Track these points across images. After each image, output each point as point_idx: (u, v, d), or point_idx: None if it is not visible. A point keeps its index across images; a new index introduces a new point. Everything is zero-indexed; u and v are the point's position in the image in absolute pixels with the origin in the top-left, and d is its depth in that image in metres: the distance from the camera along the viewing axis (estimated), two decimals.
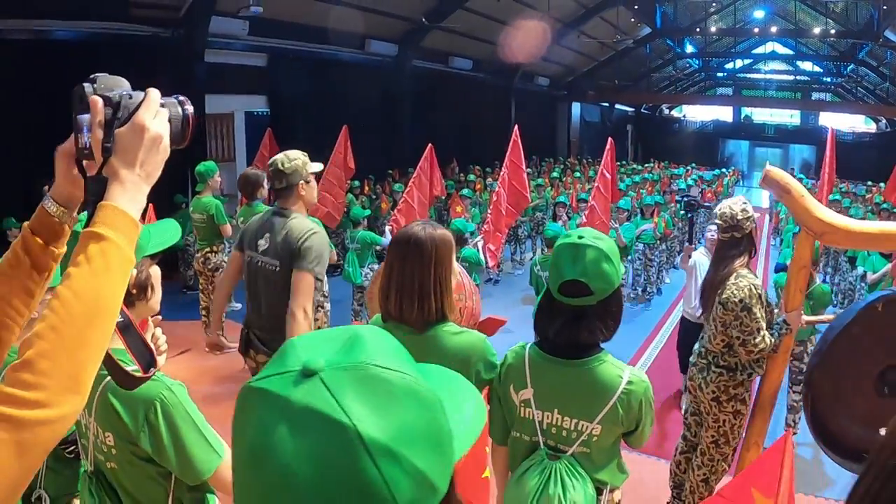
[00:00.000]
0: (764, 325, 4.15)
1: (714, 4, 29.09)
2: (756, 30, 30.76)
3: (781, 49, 38.40)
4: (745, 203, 4.37)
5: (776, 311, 4.42)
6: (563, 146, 33.44)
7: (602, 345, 2.64)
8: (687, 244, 8.20)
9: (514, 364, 2.73)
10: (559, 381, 2.62)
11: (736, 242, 4.33)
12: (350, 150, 11.14)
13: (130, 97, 1.32)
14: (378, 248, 8.95)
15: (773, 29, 30.44)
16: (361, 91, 18.62)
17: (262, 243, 4.15)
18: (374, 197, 15.52)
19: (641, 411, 2.59)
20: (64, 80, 8.44)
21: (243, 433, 0.83)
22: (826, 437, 4.24)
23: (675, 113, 45.06)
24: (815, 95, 40.63)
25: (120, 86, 1.34)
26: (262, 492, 0.80)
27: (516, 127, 9.53)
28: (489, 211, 9.40)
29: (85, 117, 1.29)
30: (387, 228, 9.69)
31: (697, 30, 30.05)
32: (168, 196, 12.34)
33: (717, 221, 4.40)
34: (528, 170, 21.88)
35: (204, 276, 8.45)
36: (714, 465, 4.51)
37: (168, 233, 2.55)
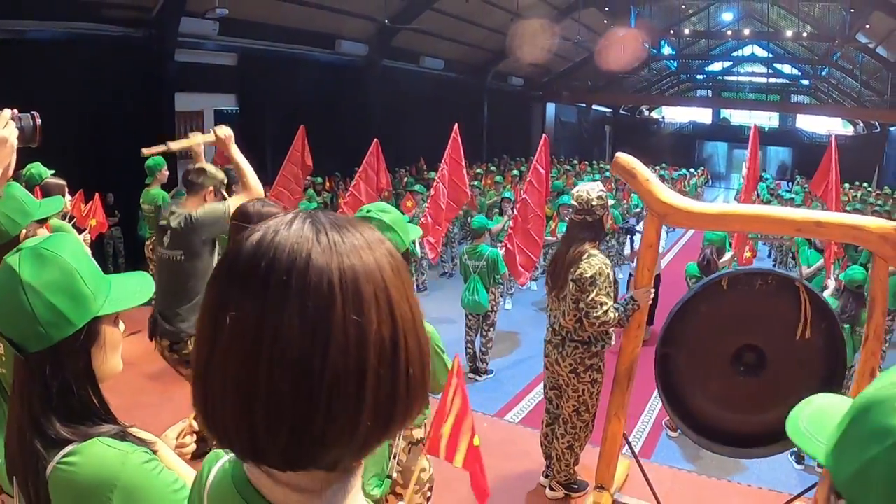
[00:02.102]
0: (609, 301, 4.44)
1: (685, 7, 29.28)
2: (729, 32, 30.99)
3: (761, 52, 38.78)
4: (601, 190, 4.68)
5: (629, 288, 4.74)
6: (537, 146, 33.08)
7: None
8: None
9: None
10: None
11: (588, 225, 4.64)
12: (308, 149, 11.45)
13: None
14: None
15: (747, 31, 30.69)
16: (332, 90, 18.91)
17: (167, 240, 4.66)
18: (337, 192, 15.87)
19: (433, 356, 2.98)
20: (39, 79, 8.77)
21: None
22: (684, 415, 4.58)
23: (654, 114, 45.28)
24: (793, 98, 41.02)
25: None
26: None
27: (455, 126, 9.82)
28: (427, 205, 9.72)
29: None
30: None
31: (671, 31, 30.26)
32: (137, 190, 12.65)
33: (573, 203, 4.72)
34: (493, 168, 22.28)
35: (153, 263, 8.86)
36: (577, 433, 4.83)
37: (52, 204, 3.27)
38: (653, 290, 4.49)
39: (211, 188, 4.77)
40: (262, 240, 0.88)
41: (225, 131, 4.32)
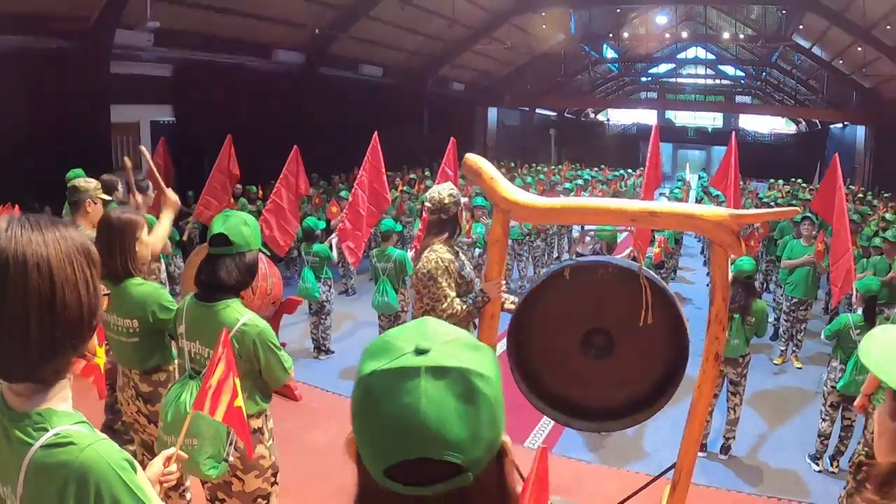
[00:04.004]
0: (452, 293, 4.67)
1: (619, 11, 29.69)
2: (668, 35, 31.49)
3: (704, 54, 39.52)
4: (451, 189, 4.94)
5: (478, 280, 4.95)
6: (479, 151, 33.17)
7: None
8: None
9: (180, 308, 3.61)
10: (199, 319, 3.42)
11: (442, 222, 4.89)
12: (234, 158, 11.61)
13: None
14: None
15: (685, 34, 31.25)
16: (269, 99, 19.06)
17: None
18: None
19: (258, 349, 3.35)
20: None
21: None
22: (550, 400, 4.76)
23: (599, 117, 45.90)
24: (736, 99, 41.86)
25: None
26: None
27: (375, 133, 10.04)
28: (345, 211, 9.91)
29: None
30: None
31: (611, 35, 30.70)
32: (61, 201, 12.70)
33: (427, 204, 4.95)
34: (427, 173, 22.52)
35: None
36: None
37: None
38: (503, 283, 4.73)
39: (88, 199, 5.35)
40: None
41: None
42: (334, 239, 9.65)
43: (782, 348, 10.78)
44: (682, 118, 44.25)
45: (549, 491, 2.66)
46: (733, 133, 10.68)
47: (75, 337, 1.56)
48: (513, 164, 29.72)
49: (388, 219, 9.95)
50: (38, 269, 1.47)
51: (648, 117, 43.47)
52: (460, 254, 4.99)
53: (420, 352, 1.04)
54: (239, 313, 3.39)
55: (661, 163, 10.07)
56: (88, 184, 5.49)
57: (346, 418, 1.08)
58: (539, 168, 28.56)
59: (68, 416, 1.59)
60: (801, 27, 26.56)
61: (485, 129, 34.99)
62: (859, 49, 23.43)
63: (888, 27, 20.70)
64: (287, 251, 10.87)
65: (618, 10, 29.20)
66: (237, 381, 2.89)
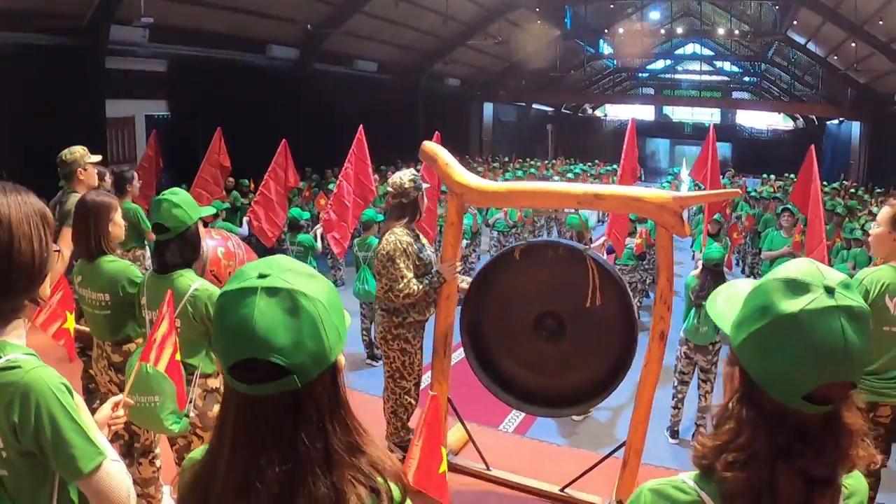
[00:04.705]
0: (409, 274, 4.81)
1: (613, 7, 29.77)
2: (662, 31, 31.54)
3: (701, 50, 39.61)
4: (413, 174, 5.12)
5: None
6: (475, 146, 34.15)
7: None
8: None
9: (142, 281, 3.92)
10: (158, 289, 3.66)
11: (403, 206, 5.05)
12: (224, 151, 11.77)
13: None
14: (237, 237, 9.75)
15: (680, 30, 31.31)
16: (263, 95, 19.12)
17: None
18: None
19: (209, 311, 3.61)
20: None
21: None
22: (496, 377, 4.94)
23: (597, 113, 45.94)
24: (734, 94, 41.93)
25: None
26: None
27: (361, 126, 10.17)
28: (330, 202, 10.06)
29: None
30: (244, 219, 10.43)
31: (606, 31, 30.77)
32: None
33: (389, 189, 5.14)
34: (418, 167, 22.65)
35: None
36: (398, 399, 5.19)
37: None
38: (459, 265, 4.92)
39: (78, 168, 5.71)
40: None
41: None
42: (319, 229, 9.84)
43: None
44: (680, 114, 44.30)
45: (441, 436, 2.87)
46: (711, 127, 10.83)
47: (28, 280, 1.93)
48: (507, 159, 29.94)
49: (369, 209, 10.10)
50: (0, 224, 1.85)
51: (646, 113, 43.58)
52: (420, 237, 5.15)
53: (261, 276, 1.31)
54: (191, 280, 3.68)
55: (636, 156, 10.21)
56: (74, 154, 5.76)
57: None
58: (532, 163, 28.67)
59: (20, 348, 1.96)
60: (795, 23, 26.67)
61: (480, 125, 35.17)
62: (853, 45, 23.51)
63: (880, 22, 20.78)
64: (275, 242, 11.05)
65: (612, 6, 29.27)
66: (177, 338, 3.25)
